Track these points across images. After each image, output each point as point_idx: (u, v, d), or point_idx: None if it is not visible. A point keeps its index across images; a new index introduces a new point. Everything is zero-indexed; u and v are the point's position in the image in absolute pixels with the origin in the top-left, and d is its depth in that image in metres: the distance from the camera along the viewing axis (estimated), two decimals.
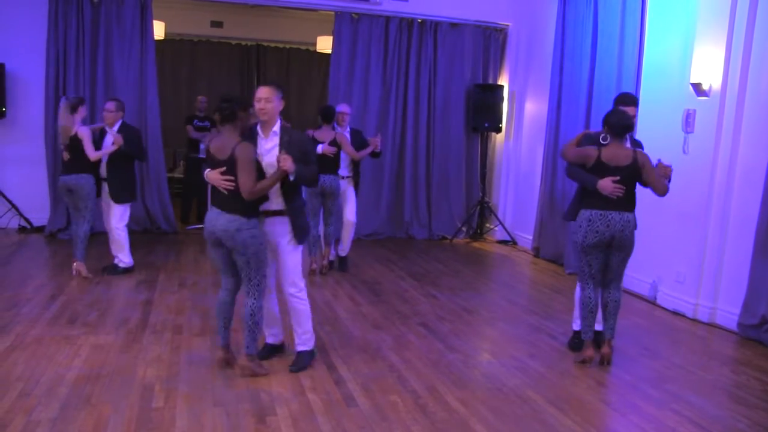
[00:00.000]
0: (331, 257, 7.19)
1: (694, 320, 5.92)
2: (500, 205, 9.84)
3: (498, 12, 9.55)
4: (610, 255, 4.57)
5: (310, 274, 6.77)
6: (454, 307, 6.01)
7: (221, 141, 3.99)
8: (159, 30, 9.91)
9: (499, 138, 9.95)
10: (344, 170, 6.98)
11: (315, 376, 4.20)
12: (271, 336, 4.52)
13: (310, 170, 4.12)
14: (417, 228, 9.60)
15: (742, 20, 5.62)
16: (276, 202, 4.11)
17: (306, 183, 4.20)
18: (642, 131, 6.63)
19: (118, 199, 6.34)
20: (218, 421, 3.52)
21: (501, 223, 9.55)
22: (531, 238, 8.76)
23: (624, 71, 6.93)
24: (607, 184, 4.39)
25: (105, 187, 6.34)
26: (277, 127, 4.12)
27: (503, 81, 9.78)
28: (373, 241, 9.16)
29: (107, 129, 6.28)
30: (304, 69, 13.33)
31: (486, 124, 9.43)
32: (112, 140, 6.17)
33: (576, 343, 4.94)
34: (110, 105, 6.36)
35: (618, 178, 4.40)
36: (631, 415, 3.89)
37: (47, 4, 8.16)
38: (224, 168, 3.91)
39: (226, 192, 3.94)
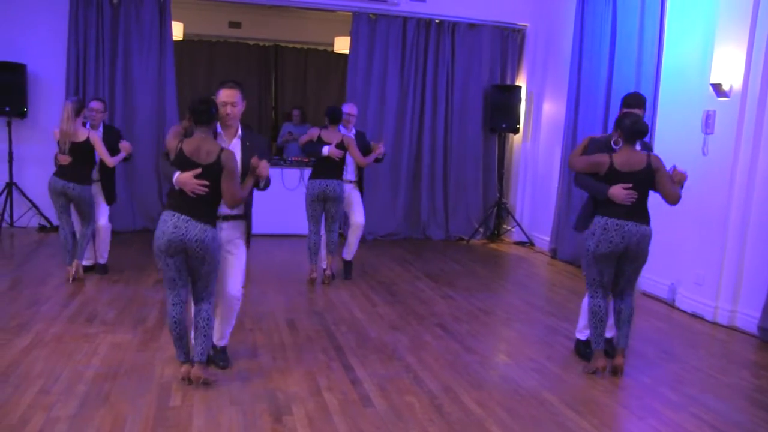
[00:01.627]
0: (328, 267, 6.65)
1: (713, 323, 5.86)
2: (517, 206, 9.80)
3: (516, 12, 9.51)
4: (622, 264, 4.41)
5: (308, 282, 6.52)
6: (471, 308, 5.99)
7: (196, 144, 3.77)
8: (177, 31, 9.98)
9: (516, 139, 9.91)
10: (350, 174, 6.69)
11: (331, 376, 4.20)
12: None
13: (269, 178, 4.08)
14: (434, 228, 9.58)
15: (764, 20, 5.55)
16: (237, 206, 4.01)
17: (265, 187, 4.11)
18: (661, 132, 6.59)
19: (111, 200, 6.40)
20: (235, 420, 3.54)
21: (518, 224, 9.51)
22: (548, 239, 8.72)
23: (643, 72, 6.87)
24: (618, 191, 4.23)
25: (95, 188, 6.25)
26: (239, 131, 3.99)
27: (521, 82, 9.74)
28: (390, 241, 9.17)
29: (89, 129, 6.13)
30: (322, 69, 13.33)
31: (503, 125, 9.40)
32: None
33: (584, 351, 4.74)
34: (98, 105, 6.27)
35: (630, 185, 4.24)
36: (649, 419, 3.86)
37: (68, 5, 8.25)
38: (200, 171, 3.71)
39: (194, 197, 3.74)
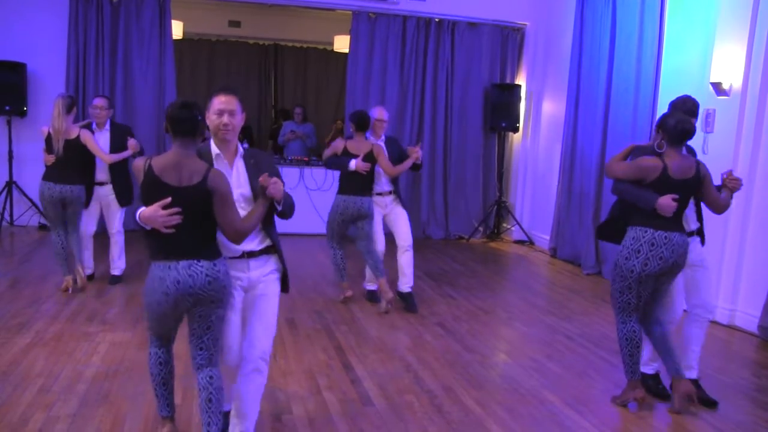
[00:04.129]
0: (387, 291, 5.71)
1: (713, 322, 5.85)
2: (517, 205, 9.80)
3: (516, 11, 9.51)
4: (662, 281, 3.93)
5: (343, 302, 5.94)
6: (471, 307, 5.99)
7: (174, 160, 2.88)
8: (177, 30, 9.98)
9: (516, 138, 9.91)
10: (385, 185, 5.85)
11: (331, 376, 4.21)
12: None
13: (289, 197, 3.15)
14: (434, 228, 9.58)
15: (764, 19, 5.55)
16: (259, 236, 3.11)
17: (288, 215, 3.14)
18: None
19: (124, 202, 6.04)
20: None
21: (518, 223, 9.51)
22: (548, 238, 8.72)
23: (643, 70, 6.87)
24: (668, 203, 3.70)
25: (106, 190, 5.98)
26: (240, 149, 3.12)
27: (521, 81, 9.74)
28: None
29: (95, 128, 5.95)
30: (322, 68, 13.34)
31: (503, 124, 9.39)
32: (106, 142, 5.89)
33: (655, 388, 4.20)
34: (102, 102, 5.94)
35: (678, 195, 3.74)
36: (649, 418, 3.86)
37: (68, 5, 8.26)
38: (170, 199, 2.79)
39: (169, 232, 2.81)
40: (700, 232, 4.19)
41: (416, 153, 5.81)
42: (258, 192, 3.02)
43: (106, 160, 5.79)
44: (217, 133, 3.03)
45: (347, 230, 5.84)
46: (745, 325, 5.67)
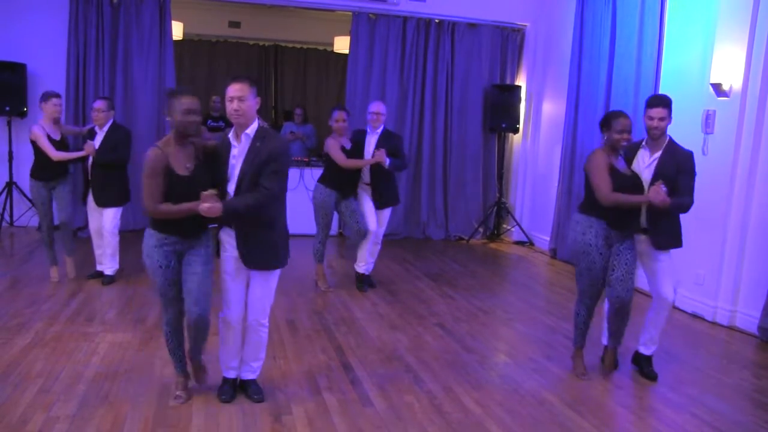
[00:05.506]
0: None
1: (713, 323, 5.86)
2: (517, 205, 9.80)
3: (516, 12, 9.51)
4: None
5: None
6: (471, 308, 5.99)
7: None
8: (177, 30, 9.98)
9: (516, 138, 9.90)
10: (365, 176, 6.28)
11: (331, 376, 4.20)
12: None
13: (238, 210, 3.52)
14: (434, 228, 9.58)
15: (764, 20, 5.56)
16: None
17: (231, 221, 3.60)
18: None
19: (105, 203, 5.98)
20: (234, 419, 3.54)
21: (518, 223, 9.51)
22: (548, 239, 8.72)
23: (643, 71, 6.87)
24: (655, 191, 4.04)
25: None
26: (251, 130, 3.51)
27: (521, 81, 9.74)
28: (390, 241, 9.15)
29: (97, 130, 5.99)
30: (322, 69, 13.34)
31: (503, 125, 9.39)
32: (98, 143, 5.92)
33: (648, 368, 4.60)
34: (102, 104, 5.94)
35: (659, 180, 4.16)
36: (650, 419, 3.86)
37: (68, 5, 8.25)
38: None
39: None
40: (647, 232, 4.36)
41: (378, 157, 5.99)
42: (198, 201, 3.37)
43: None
44: (230, 118, 3.48)
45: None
46: (745, 326, 5.67)
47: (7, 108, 8.08)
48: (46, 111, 5.94)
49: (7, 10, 8.25)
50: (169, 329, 3.72)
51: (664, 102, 4.30)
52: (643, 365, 4.54)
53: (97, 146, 5.89)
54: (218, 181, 3.53)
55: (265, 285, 3.71)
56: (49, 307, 5.31)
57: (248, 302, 3.71)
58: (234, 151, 3.52)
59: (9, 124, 8.31)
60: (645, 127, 4.33)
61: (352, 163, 6.07)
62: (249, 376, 3.85)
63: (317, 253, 6.40)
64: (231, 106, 3.44)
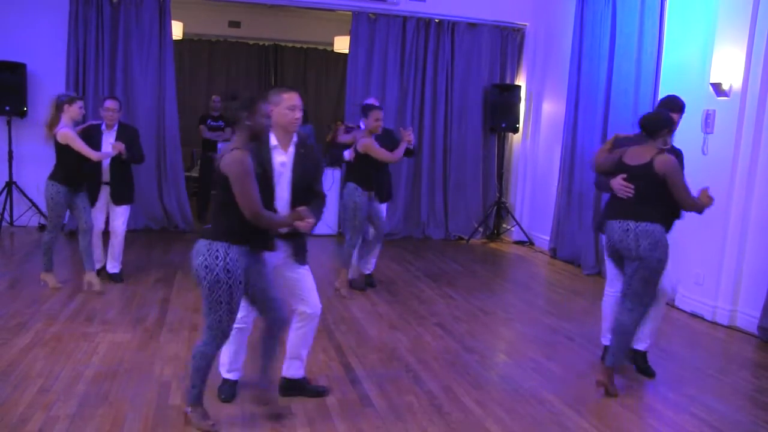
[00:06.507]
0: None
1: (713, 323, 5.86)
2: (517, 205, 9.80)
3: (515, 12, 9.51)
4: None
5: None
6: (471, 308, 5.99)
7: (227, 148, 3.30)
8: (177, 30, 9.98)
9: (516, 138, 9.91)
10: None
11: (331, 376, 4.20)
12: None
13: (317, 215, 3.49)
14: (434, 228, 9.58)
15: (764, 19, 5.55)
16: None
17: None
18: None
19: (122, 200, 6.09)
20: (234, 419, 3.53)
21: (518, 223, 9.51)
22: (548, 238, 8.72)
23: (643, 71, 6.87)
24: (617, 183, 4.07)
25: (106, 190, 6.05)
26: (294, 137, 3.60)
27: (521, 81, 9.74)
28: (390, 241, 9.15)
29: (104, 129, 6.01)
30: (322, 69, 13.36)
31: (503, 125, 9.39)
32: (111, 145, 5.87)
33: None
34: (115, 104, 6.00)
35: (625, 175, 4.05)
36: (649, 419, 3.86)
37: (68, 5, 8.25)
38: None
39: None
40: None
41: (408, 136, 6.07)
42: (292, 213, 3.34)
43: (95, 158, 5.70)
44: (288, 126, 3.50)
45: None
46: (745, 326, 5.67)
47: (7, 108, 8.08)
48: (71, 114, 5.69)
49: (6, 10, 8.25)
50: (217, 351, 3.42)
51: None
52: (639, 362, 4.53)
53: (111, 145, 5.87)
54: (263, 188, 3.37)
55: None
56: (49, 307, 5.31)
57: (307, 294, 3.70)
58: (281, 159, 3.51)
59: (9, 123, 8.30)
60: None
61: (398, 156, 6.06)
62: (300, 372, 3.86)
63: (347, 257, 6.18)
64: (294, 116, 3.48)
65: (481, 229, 9.63)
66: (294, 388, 3.86)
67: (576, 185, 8.00)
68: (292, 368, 3.86)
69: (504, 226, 9.87)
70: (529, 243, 9.31)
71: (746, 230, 5.75)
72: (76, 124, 5.82)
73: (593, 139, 7.63)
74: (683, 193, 4.01)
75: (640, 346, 4.51)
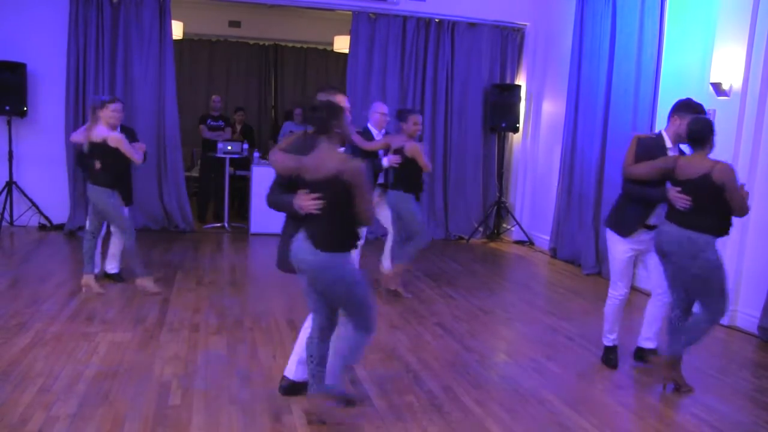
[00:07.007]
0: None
1: None
2: (517, 205, 9.80)
3: (516, 12, 9.51)
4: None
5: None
6: (471, 308, 5.99)
7: (318, 156, 3.37)
8: (177, 30, 9.97)
9: (516, 138, 9.91)
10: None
11: None
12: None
13: None
14: (434, 228, 9.56)
15: (764, 19, 5.55)
16: None
17: None
18: None
19: (130, 201, 6.13)
20: (234, 419, 3.53)
21: (518, 223, 9.51)
22: (548, 238, 8.71)
23: (643, 71, 6.87)
24: (673, 195, 4.05)
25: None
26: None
27: (521, 81, 9.74)
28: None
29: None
30: (322, 69, 13.37)
31: (503, 124, 9.39)
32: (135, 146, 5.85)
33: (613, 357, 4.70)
34: (120, 105, 5.87)
35: (679, 189, 4.03)
36: (650, 419, 3.86)
37: (68, 5, 8.24)
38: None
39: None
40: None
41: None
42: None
43: (138, 161, 5.77)
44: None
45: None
46: (745, 326, 5.67)
47: (7, 108, 8.07)
48: (105, 118, 5.62)
49: (7, 9, 8.25)
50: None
51: None
52: (651, 356, 4.63)
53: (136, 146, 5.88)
54: None
55: None
56: (49, 307, 5.31)
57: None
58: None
59: (9, 123, 8.30)
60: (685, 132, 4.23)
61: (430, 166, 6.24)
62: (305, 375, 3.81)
63: (394, 256, 6.31)
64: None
65: (481, 229, 9.63)
66: (299, 390, 3.81)
67: (576, 185, 8.00)
68: (299, 371, 3.82)
69: (504, 225, 9.87)
70: (529, 243, 9.30)
71: (746, 230, 5.74)
72: (112, 128, 5.71)
73: (593, 139, 7.64)
74: (740, 200, 4.00)
75: (648, 345, 4.64)
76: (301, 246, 3.38)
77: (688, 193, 3.99)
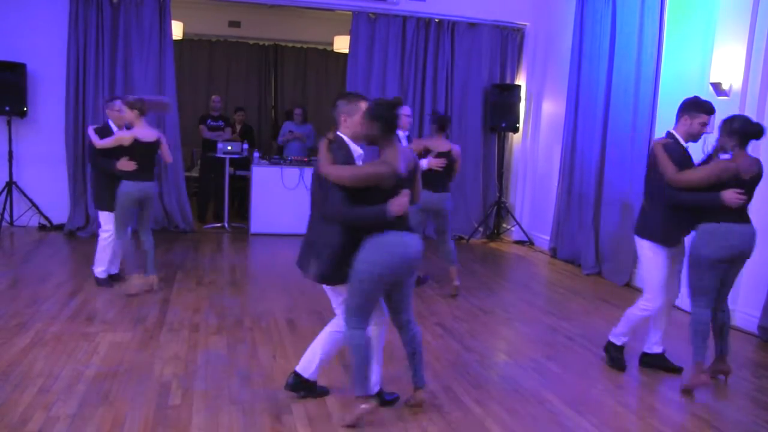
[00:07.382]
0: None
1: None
2: (517, 205, 9.80)
3: (516, 12, 9.51)
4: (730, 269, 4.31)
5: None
6: (471, 307, 5.99)
7: (407, 153, 3.61)
8: (177, 30, 9.98)
9: (516, 138, 9.91)
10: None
11: (331, 376, 4.20)
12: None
13: None
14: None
15: (764, 19, 5.55)
16: None
17: None
18: (661, 132, 6.57)
19: (97, 206, 6.06)
20: (234, 419, 3.54)
21: (518, 223, 9.51)
22: (548, 238, 8.72)
23: (642, 71, 6.87)
24: (732, 195, 4.07)
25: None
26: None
27: (521, 81, 9.74)
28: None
29: (116, 130, 5.95)
30: (322, 69, 13.35)
31: (503, 124, 9.39)
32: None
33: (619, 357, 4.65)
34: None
35: (742, 190, 4.10)
36: (650, 419, 3.86)
37: (68, 5, 8.25)
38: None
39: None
40: None
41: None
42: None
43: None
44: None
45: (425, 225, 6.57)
46: (745, 326, 5.67)
47: (7, 108, 8.08)
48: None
49: (7, 10, 8.25)
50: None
51: None
52: (660, 362, 4.63)
53: None
54: None
55: None
56: (49, 307, 5.31)
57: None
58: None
59: (9, 123, 8.30)
60: (697, 131, 4.48)
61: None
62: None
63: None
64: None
65: (481, 229, 9.63)
66: (308, 388, 3.85)
67: (576, 185, 8.00)
68: (315, 371, 3.83)
69: (504, 225, 9.87)
70: (529, 243, 9.30)
71: None
72: (119, 126, 5.89)
73: (593, 139, 7.64)
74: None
75: (655, 350, 4.64)
76: (413, 241, 3.49)
77: (747, 191, 4.12)
